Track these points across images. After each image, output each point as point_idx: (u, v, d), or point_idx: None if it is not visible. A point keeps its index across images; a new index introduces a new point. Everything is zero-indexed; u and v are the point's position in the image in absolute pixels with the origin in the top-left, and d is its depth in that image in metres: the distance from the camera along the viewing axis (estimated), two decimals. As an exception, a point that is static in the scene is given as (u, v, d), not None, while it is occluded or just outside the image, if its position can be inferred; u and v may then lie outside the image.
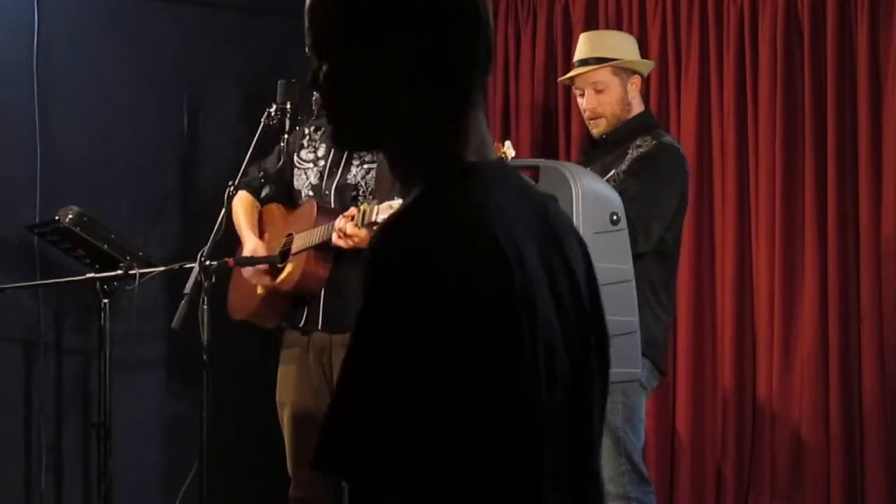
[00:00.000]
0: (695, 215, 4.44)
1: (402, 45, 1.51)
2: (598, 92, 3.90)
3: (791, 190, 4.25)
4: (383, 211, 3.57)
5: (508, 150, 3.82)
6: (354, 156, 4.05)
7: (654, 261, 3.68)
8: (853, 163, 4.12)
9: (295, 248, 3.93)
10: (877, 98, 4.07)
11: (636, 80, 3.93)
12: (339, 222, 3.73)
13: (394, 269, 1.43)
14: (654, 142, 3.84)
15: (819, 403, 4.15)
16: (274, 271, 4.02)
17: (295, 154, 4.18)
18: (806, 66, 4.22)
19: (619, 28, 4.64)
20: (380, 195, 3.95)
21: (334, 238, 3.75)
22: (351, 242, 3.72)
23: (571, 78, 4.01)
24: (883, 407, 4.03)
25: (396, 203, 3.52)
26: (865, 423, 4.07)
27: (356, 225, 3.67)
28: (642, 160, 3.80)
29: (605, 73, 3.90)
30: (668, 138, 3.92)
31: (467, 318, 1.41)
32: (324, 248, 3.83)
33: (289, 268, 3.95)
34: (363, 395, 1.43)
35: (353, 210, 3.73)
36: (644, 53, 4.56)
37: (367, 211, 3.63)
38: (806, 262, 4.20)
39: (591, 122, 3.95)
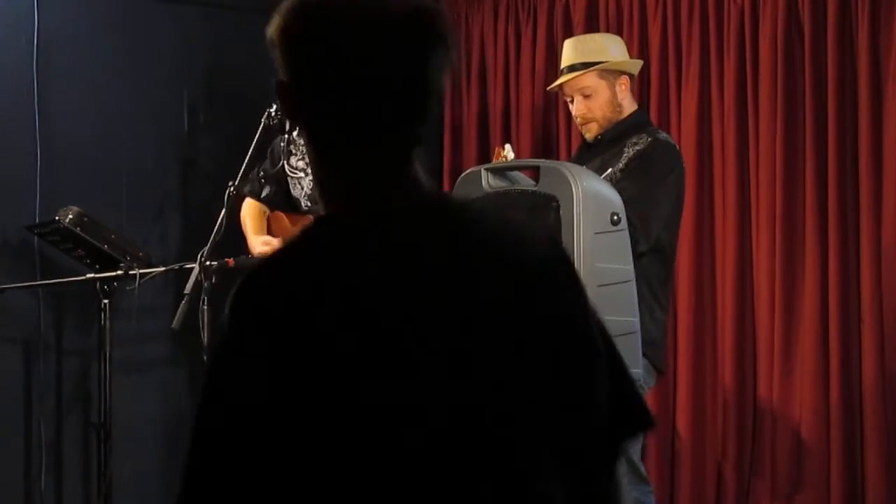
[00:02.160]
0: (695, 215, 4.43)
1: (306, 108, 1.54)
2: (587, 97, 3.90)
3: (791, 190, 4.25)
4: None
5: (509, 153, 3.82)
6: None
7: (652, 260, 3.68)
8: (854, 163, 4.12)
9: None
10: (877, 98, 4.06)
11: (624, 80, 3.92)
12: None
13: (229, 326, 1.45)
14: (649, 139, 3.84)
15: (819, 404, 4.15)
16: None
17: (285, 162, 4.19)
18: (806, 66, 4.21)
19: (619, 29, 4.64)
20: None
21: None
22: None
23: (560, 85, 4.01)
24: (883, 407, 4.03)
25: None
26: (866, 423, 4.06)
27: None
28: (638, 158, 3.79)
29: (592, 77, 3.89)
30: (663, 135, 3.92)
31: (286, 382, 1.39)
32: None
33: None
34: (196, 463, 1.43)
35: None
36: (644, 53, 4.56)
37: None
38: (806, 262, 4.20)
39: (583, 126, 3.96)
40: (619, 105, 3.91)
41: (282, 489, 1.40)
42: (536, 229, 1.62)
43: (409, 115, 1.51)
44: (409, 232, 1.50)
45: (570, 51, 3.97)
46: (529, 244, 1.57)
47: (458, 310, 1.47)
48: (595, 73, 3.89)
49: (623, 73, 3.93)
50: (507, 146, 3.86)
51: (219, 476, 1.40)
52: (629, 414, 1.60)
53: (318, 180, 1.59)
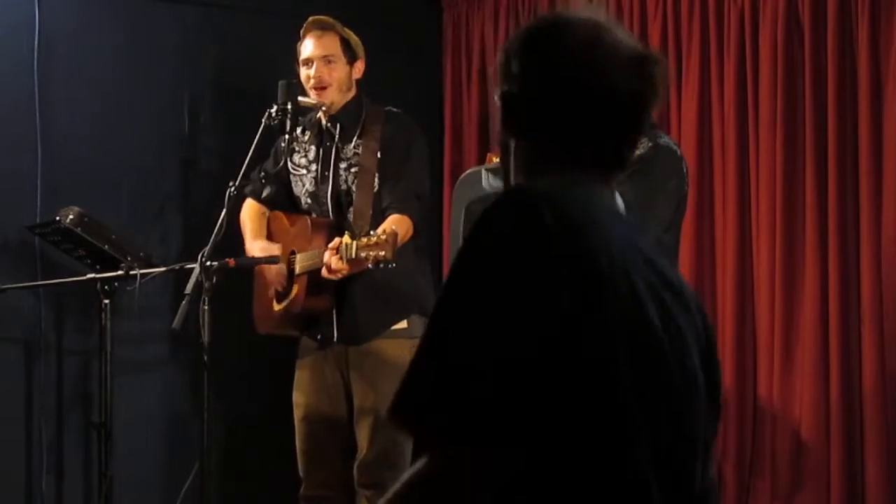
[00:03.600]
0: (695, 215, 4.44)
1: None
2: None
3: (792, 190, 4.25)
4: (363, 248, 3.59)
5: None
6: (341, 158, 4.06)
7: None
8: (854, 163, 4.12)
9: (298, 269, 3.97)
10: (877, 97, 4.06)
11: None
12: (326, 256, 3.76)
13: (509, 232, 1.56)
14: (650, 144, 3.84)
15: (819, 403, 4.15)
16: (285, 290, 4.06)
17: (288, 159, 4.19)
18: (806, 66, 4.21)
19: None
20: (359, 197, 3.97)
21: (323, 271, 3.79)
22: (339, 276, 3.78)
23: None
24: (884, 407, 4.03)
25: (374, 237, 3.56)
26: (866, 422, 4.07)
27: (340, 259, 3.71)
28: (638, 163, 3.80)
29: None
30: (664, 139, 3.92)
31: (562, 291, 1.51)
32: (321, 271, 3.85)
33: (294, 289, 4.00)
34: (445, 353, 1.52)
35: (336, 241, 3.75)
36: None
37: (349, 245, 3.66)
38: (806, 262, 4.20)
39: None
40: None
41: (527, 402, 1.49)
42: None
43: (618, 136, 1.73)
44: (620, 223, 1.73)
45: None
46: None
47: (677, 294, 1.68)
48: None
49: None
50: None
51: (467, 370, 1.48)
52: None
53: (519, 181, 1.74)
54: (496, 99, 1.74)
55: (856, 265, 4.10)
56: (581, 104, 1.68)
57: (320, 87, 4.04)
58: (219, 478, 4.78)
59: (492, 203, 1.58)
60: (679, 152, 3.93)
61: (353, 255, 3.64)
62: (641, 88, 1.70)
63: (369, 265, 3.60)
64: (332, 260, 3.74)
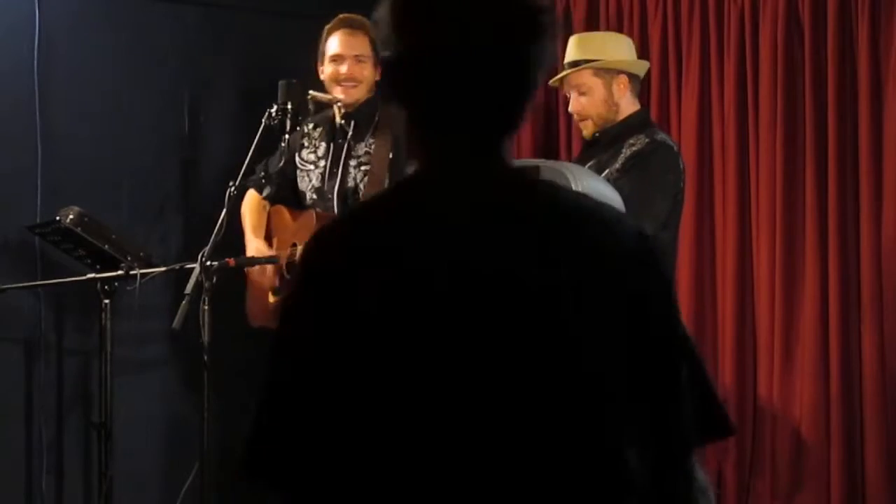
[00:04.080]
0: (695, 215, 4.44)
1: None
2: (582, 94, 3.94)
3: (792, 189, 4.25)
4: None
5: None
6: (352, 156, 4.06)
7: None
8: (854, 162, 4.12)
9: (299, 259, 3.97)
10: (877, 97, 4.07)
11: (622, 79, 3.93)
12: None
13: (298, 276, 1.58)
14: (647, 140, 3.84)
15: (820, 402, 4.15)
16: (283, 282, 4.05)
17: (296, 154, 4.19)
18: (806, 66, 4.22)
19: (619, 28, 4.64)
20: (368, 193, 3.97)
21: None
22: None
23: (560, 81, 4.03)
24: (884, 406, 4.03)
25: None
26: (866, 422, 4.07)
27: None
28: (635, 159, 3.81)
29: (587, 75, 3.92)
30: (661, 136, 3.92)
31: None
32: None
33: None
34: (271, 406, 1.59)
35: None
36: (645, 53, 4.56)
37: None
38: (807, 261, 4.20)
39: (580, 123, 3.99)
40: (616, 104, 3.92)
41: (340, 439, 1.49)
42: (626, 217, 1.66)
43: (505, 98, 1.60)
44: (480, 197, 1.56)
45: (572, 47, 4.00)
46: (617, 227, 1.60)
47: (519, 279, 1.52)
48: (591, 70, 3.92)
49: (622, 72, 3.93)
50: None
51: (278, 423, 1.55)
52: (712, 418, 1.65)
53: (410, 153, 1.66)
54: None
55: (856, 265, 4.10)
56: (452, 62, 1.56)
57: (351, 83, 4.03)
58: (219, 478, 4.78)
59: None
60: (676, 148, 3.93)
61: None
62: (531, 39, 1.57)
63: None
64: None
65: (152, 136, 4.88)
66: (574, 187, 3.32)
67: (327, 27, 4.12)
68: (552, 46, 1.61)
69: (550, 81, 4.34)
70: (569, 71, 3.99)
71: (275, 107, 3.88)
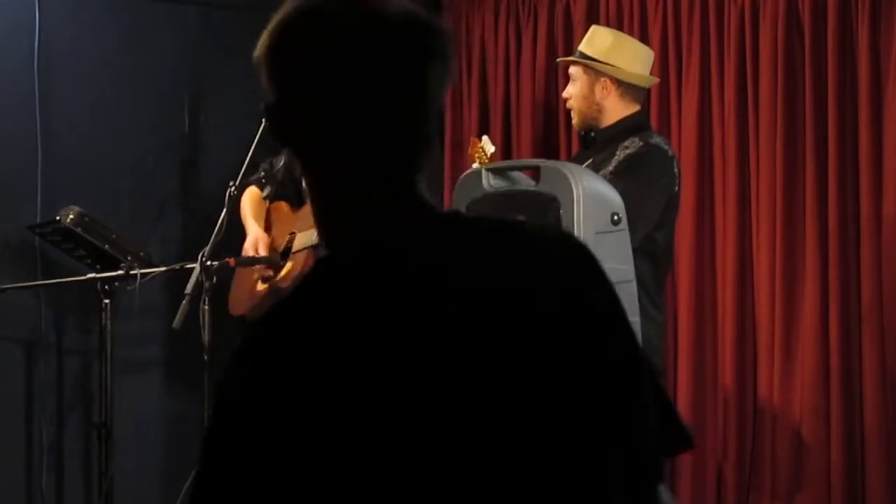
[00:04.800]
0: (695, 215, 4.44)
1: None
2: (572, 82, 4.01)
3: (792, 190, 4.25)
4: None
5: (486, 144, 3.84)
6: None
7: (642, 261, 3.68)
8: (854, 163, 4.12)
9: (295, 246, 3.97)
10: (877, 98, 4.06)
11: (606, 83, 3.94)
12: None
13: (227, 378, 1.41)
14: (640, 143, 3.85)
15: (820, 403, 4.15)
16: (276, 268, 4.06)
17: None
18: (807, 67, 4.21)
19: (619, 27, 4.63)
20: None
21: None
22: None
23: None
24: (884, 406, 4.03)
25: None
26: (866, 422, 4.07)
27: None
28: (628, 161, 3.82)
29: (578, 68, 3.99)
30: (655, 139, 3.93)
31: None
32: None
33: (289, 265, 3.98)
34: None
35: None
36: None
37: None
38: (807, 262, 4.20)
39: (571, 112, 4.07)
40: (598, 104, 3.95)
41: None
42: (548, 228, 1.52)
43: (409, 134, 1.41)
44: (412, 260, 1.39)
45: (586, 37, 4.07)
46: (547, 242, 1.46)
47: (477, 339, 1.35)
48: (581, 66, 3.98)
49: (609, 76, 3.94)
50: (485, 138, 3.93)
51: None
52: (672, 432, 1.53)
53: (313, 208, 1.46)
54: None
55: (856, 265, 4.10)
56: (352, 101, 1.38)
57: None
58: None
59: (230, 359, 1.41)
60: (670, 152, 3.93)
61: None
62: (422, 60, 1.38)
63: None
64: None
65: (152, 136, 4.89)
66: (574, 187, 3.32)
67: None
68: (450, 67, 1.42)
69: (560, 59, 4.42)
70: (569, 58, 4.11)
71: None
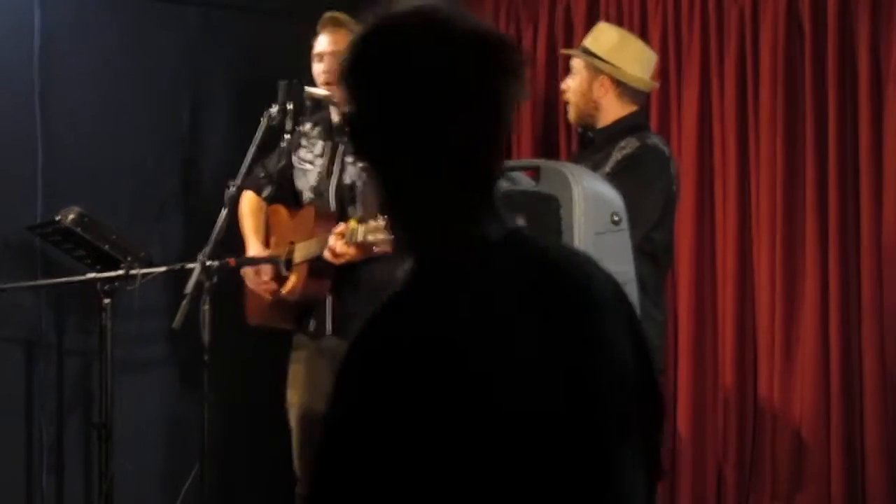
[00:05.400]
0: (695, 215, 4.44)
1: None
2: (572, 76, 4.02)
3: (792, 190, 4.25)
4: (370, 231, 3.61)
5: None
6: (349, 153, 4.07)
7: (642, 261, 3.68)
8: (854, 163, 4.12)
9: (296, 258, 3.97)
10: (878, 98, 4.07)
11: (605, 81, 3.95)
12: (331, 240, 3.77)
13: (359, 363, 1.47)
14: (637, 143, 3.86)
15: (820, 403, 4.15)
16: (280, 280, 4.06)
17: (293, 153, 4.20)
18: (807, 67, 4.21)
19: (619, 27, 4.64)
20: (367, 194, 3.97)
21: (326, 254, 3.79)
22: (342, 260, 3.78)
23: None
24: (884, 407, 4.03)
25: (381, 222, 3.56)
26: (866, 422, 4.07)
27: (345, 244, 3.72)
28: (625, 162, 3.82)
29: (579, 61, 4.01)
30: (652, 140, 3.93)
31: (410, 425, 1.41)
32: (322, 259, 3.86)
33: (292, 278, 3.99)
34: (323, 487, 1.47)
35: (342, 226, 3.76)
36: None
37: (355, 230, 3.67)
38: (807, 262, 4.20)
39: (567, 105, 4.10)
40: (594, 102, 3.97)
41: None
42: (603, 271, 1.66)
43: (488, 147, 1.50)
44: (506, 274, 1.49)
45: (592, 31, 4.10)
46: (603, 284, 1.62)
47: (568, 358, 1.47)
48: (582, 59, 3.99)
49: (608, 76, 3.95)
50: None
51: None
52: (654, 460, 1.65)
53: (389, 216, 1.55)
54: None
55: (856, 265, 4.10)
56: (434, 116, 1.45)
57: (329, 83, 4.06)
58: (219, 478, 4.78)
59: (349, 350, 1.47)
60: (667, 153, 3.94)
61: (360, 239, 3.65)
62: (499, 82, 1.48)
63: (375, 249, 3.61)
64: (338, 244, 3.75)
65: (152, 136, 4.89)
66: (574, 187, 3.32)
67: (318, 25, 4.16)
68: (522, 84, 1.52)
69: (563, 50, 4.45)
70: (571, 50, 4.16)
71: (275, 107, 3.89)
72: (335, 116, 4.12)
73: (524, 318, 1.46)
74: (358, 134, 1.51)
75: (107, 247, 4.24)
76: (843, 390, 4.10)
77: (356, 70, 1.49)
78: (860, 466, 4.08)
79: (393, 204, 1.53)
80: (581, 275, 1.56)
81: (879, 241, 4.04)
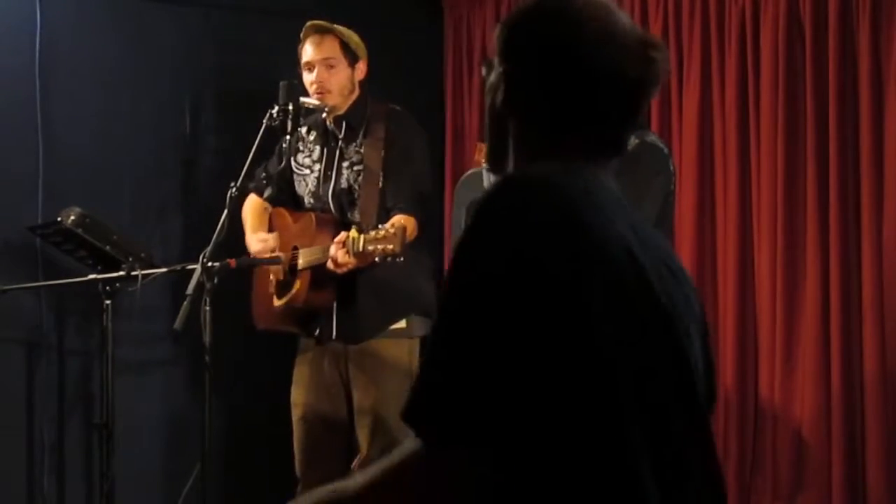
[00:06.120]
0: (696, 214, 4.44)
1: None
2: None
3: (793, 189, 4.25)
4: (370, 242, 3.60)
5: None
6: (344, 158, 4.07)
7: None
8: (855, 163, 4.12)
9: (301, 264, 3.98)
10: (878, 98, 4.06)
11: None
12: (332, 250, 3.77)
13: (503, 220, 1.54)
14: (636, 141, 3.85)
15: (821, 403, 4.15)
16: (286, 285, 4.06)
17: (292, 158, 4.21)
18: (807, 67, 4.21)
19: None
20: (365, 195, 3.97)
21: (329, 264, 3.79)
22: (344, 269, 3.78)
23: None
24: (885, 406, 4.03)
25: (383, 231, 3.57)
26: (867, 422, 4.07)
27: (346, 253, 3.72)
28: (623, 160, 3.81)
29: None
30: (651, 138, 3.92)
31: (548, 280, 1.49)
32: (325, 267, 3.86)
33: (297, 284, 3.99)
34: (451, 353, 1.51)
35: (343, 235, 3.76)
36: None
37: (356, 240, 3.67)
38: (808, 262, 4.20)
39: None
40: None
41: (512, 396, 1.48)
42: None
43: (623, 127, 1.72)
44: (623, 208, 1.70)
45: None
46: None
47: (678, 280, 1.69)
48: None
49: None
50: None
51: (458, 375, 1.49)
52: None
53: (522, 160, 1.71)
54: (492, 77, 1.70)
55: (857, 265, 4.10)
56: (589, 87, 1.65)
57: (320, 93, 4.05)
58: (220, 478, 4.79)
59: (489, 191, 1.56)
60: (666, 150, 3.93)
61: (360, 249, 3.65)
62: (646, 73, 1.67)
63: (376, 259, 3.61)
64: (339, 254, 3.75)
65: (153, 137, 4.89)
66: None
67: (301, 35, 4.14)
68: (664, 79, 1.70)
69: None
70: None
71: (276, 108, 3.89)
72: (328, 122, 4.12)
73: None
74: (516, 87, 1.68)
75: (108, 247, 4.24)
76: (844, 390, 4.09)
77: (534, 28, 1.67)
78: (861, 467, 4.08)
79: (526, 148, 1.69)
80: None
81: (880, 241, 4.04)
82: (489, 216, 1.53)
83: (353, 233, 3.72)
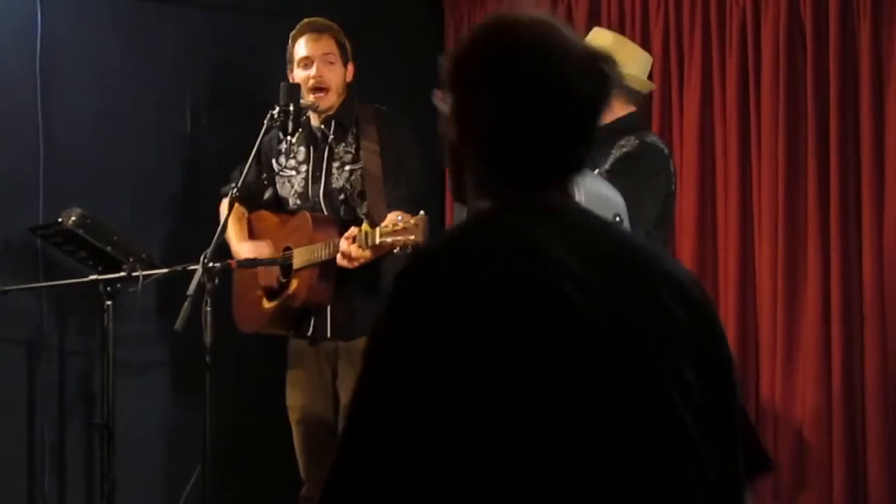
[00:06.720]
0: (697, 215, 4.44)
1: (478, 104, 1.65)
2: None
3: (794, 190, 4.25)
4: (385, 234, 3.61)
5: None
6: (335, 158, 4.07)
7: None
8: (856, 163, 4.12)
9: (297, 263, 3.96)
10: (879, 99, 4.06)
11: None
12: (343, 245, 3.76)
13: (409, 285, 1.51)
14: (636, 142, 3.85)
15: (822, 403, 4.15)
16: (279, 286, 4.04)
17: (274, 161, 4.19)
18: (808, 68, 4.21)
19: (621, 28, 4.63)
20: (371, 196, 3.97)
21: (339, 260, 3.78)
22: (357, 264, 3.78)
23: None
24: (885, 407, 4.03)
25: (402, 223, 3.57)
26: (868, 422, 4.07)
27: (360, 247, 3.71)
28: (624, 160, 3.82)
29: None
30: (651, 138, 3.92)
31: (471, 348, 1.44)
32: (327, 264, 3.85)
33: (294, 284, 3.98)
34: (365, 441, 1.48)
35: (353, 230, 3.76)
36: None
37: (370, 233, 3.67)
38: (809, 263, 4.20)
39: None
40: None
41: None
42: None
43: (580, 145, 1.66)
44: (578, 230, 1.64)
45: (587, 37, 4.05)
46: (672, 263, 1.71)
47: (646, 305, 1.58)
48: None
49: None
50: None
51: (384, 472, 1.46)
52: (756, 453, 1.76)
53: (480, 192, 1.67)
54: (441, 108, 1.66)
55: (858, 265, 4.10)
56: (540, 108, 1.60)
57: (320, 89, 4.05)
58: (221, 479, 4.78)
59: (400, 270, 1.53)
60: (666, 151, 3.93)
61: (377, 242, 3.65)
62: (597, 87, 1.62)
63: (396, 250, 3.61)
64: (352, 248, 3.74)
65: (154, 138, 4.89)
66: (575, 188, 3.31)
67: (292, 33, 4.14)
68: (612, 94, 1.66)
69: None
70: None
71: (277, 108, 3.88)
72: (316, 122, 4.12)
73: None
74: (465, 118, 1.64)
75: (109, 248, 4.24)
76: (845, 391, 4.09)
77: (477, 55, 1.63)
78: (862, 466, 4.08)
79: (482, 181, 1.65)
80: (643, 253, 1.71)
81: (881, 241, 4.04)
82: (396, 300, 1.51)
83: (366, 227, 3.72)
